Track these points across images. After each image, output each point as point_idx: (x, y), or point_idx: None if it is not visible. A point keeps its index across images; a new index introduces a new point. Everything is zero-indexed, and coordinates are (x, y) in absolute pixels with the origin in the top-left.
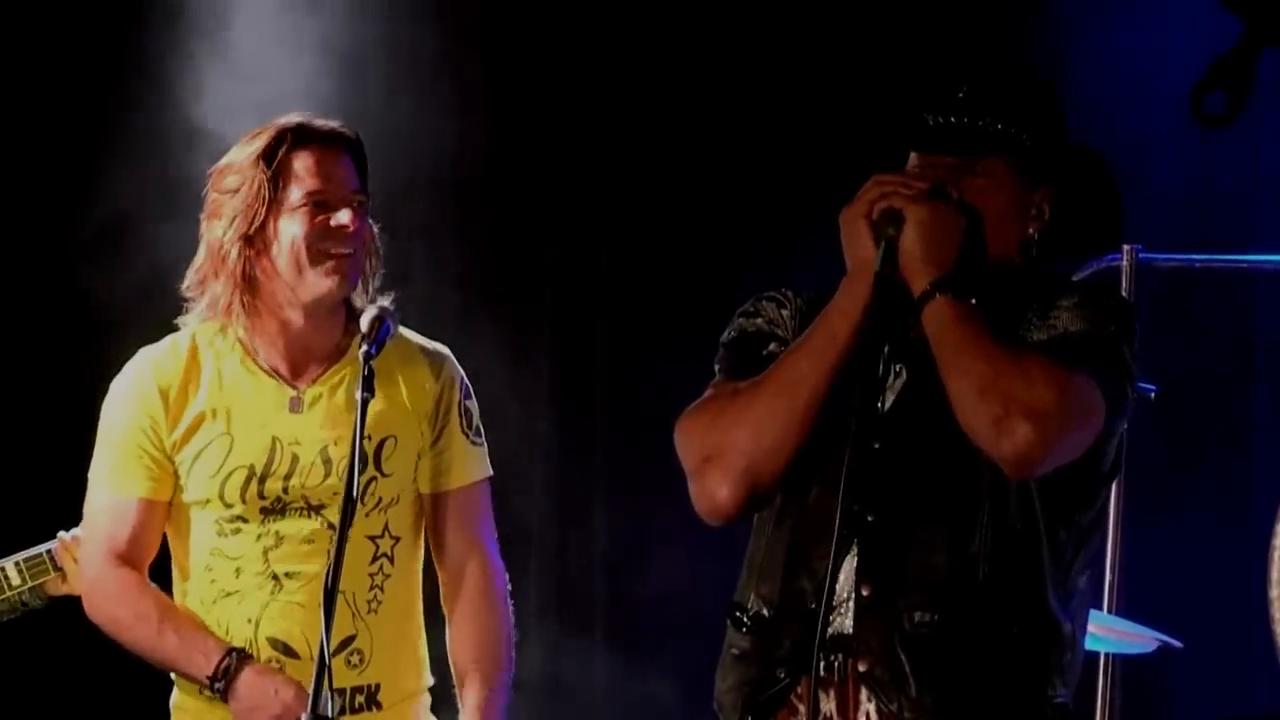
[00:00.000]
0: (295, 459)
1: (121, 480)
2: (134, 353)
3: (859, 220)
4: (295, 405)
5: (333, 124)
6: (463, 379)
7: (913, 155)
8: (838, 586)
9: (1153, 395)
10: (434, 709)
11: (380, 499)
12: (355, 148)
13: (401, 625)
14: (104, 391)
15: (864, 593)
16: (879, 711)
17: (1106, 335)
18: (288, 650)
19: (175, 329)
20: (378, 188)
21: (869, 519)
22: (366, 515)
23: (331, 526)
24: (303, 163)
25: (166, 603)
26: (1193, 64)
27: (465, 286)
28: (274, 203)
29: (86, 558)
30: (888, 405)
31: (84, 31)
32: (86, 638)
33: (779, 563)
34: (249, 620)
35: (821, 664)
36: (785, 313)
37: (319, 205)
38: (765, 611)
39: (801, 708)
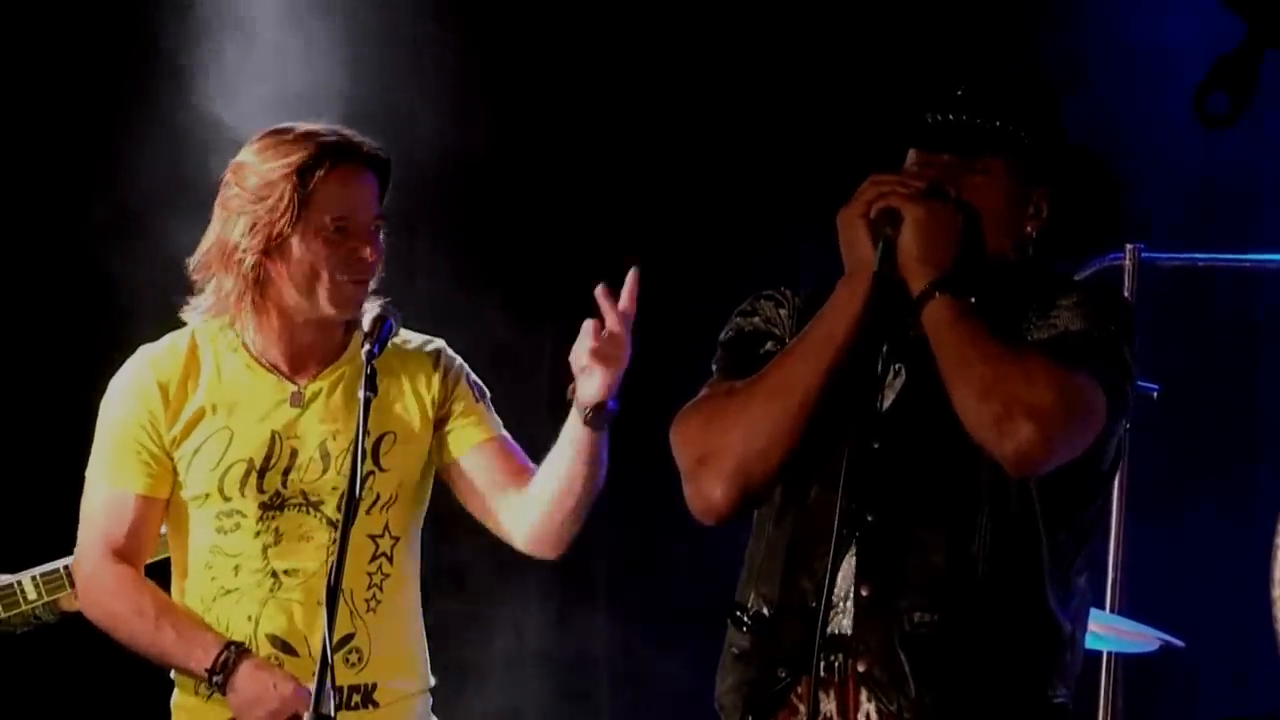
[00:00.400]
0: (294, 454)
1: (119, 476)
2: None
3: (857, 220)
4: (296, 400)
5: (368, 144)
6: (462, 363)
7: (911, 153)
8: (837, 586)
9: (1155, 394)
10: (435, 709)
11: (379, 495)
12: (383, 168)
13: (400, 625)
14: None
15: (863, 593)
16: (879, 712)
17: (1107, 334)
18: (286, 648)
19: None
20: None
21: (868, 518)
22: (366, 512)
23: (330, 523)
24: (334, 185)
25: (163, 598)
26: (1198, 63)
27: (463, 288)
28: (298, 219)
29: (83, 553)
30: (887, 405)
31: (99, 20)
32: (88, 638)
33: (779, 563)
34: (248, 618)
35: (821, 664)
36: (783, 312)
37: (342, 231)
38: (765, 611)
39: (802, 708)
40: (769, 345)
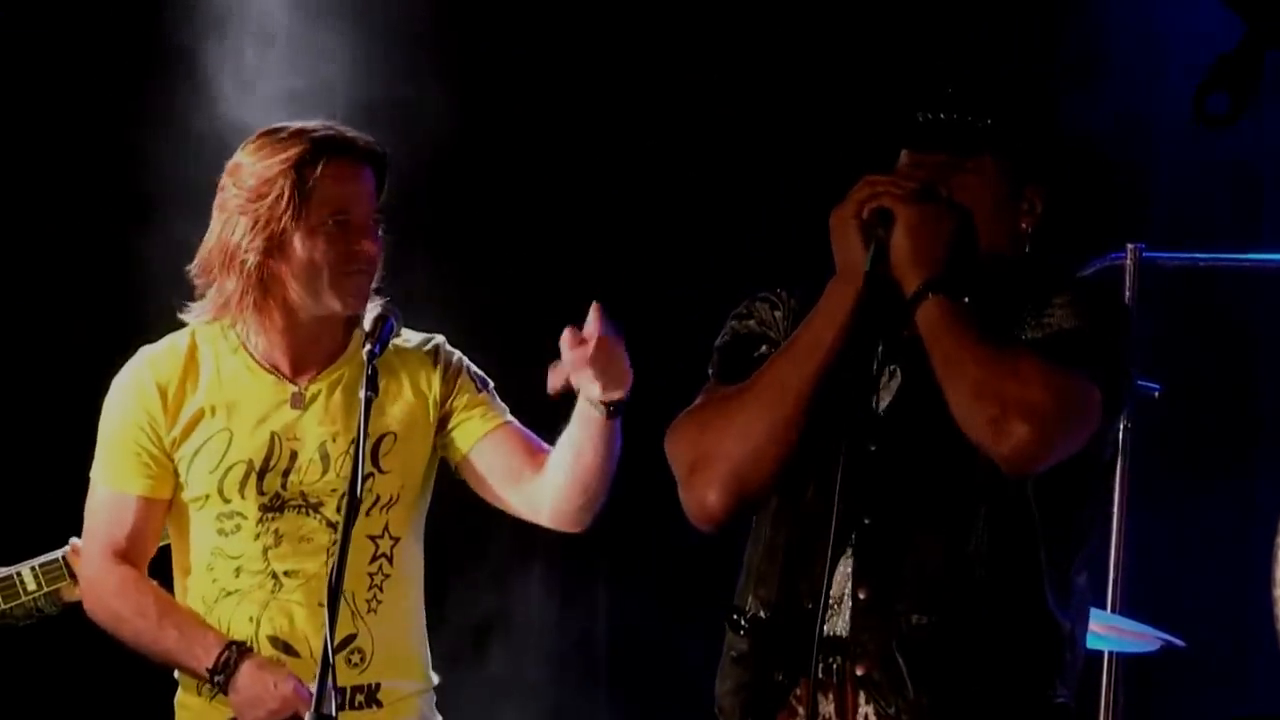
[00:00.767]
0: (294, 455)
1: (120, 478)
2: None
3: (849, 222)
4: (297, 401)
5: (363, 138)
6: (460, 356)
7: (903, 153)
8: (835, 588)
9: (1156, 394)
10: (437, 708)
11: (378, 497)
12: (380, 162)
13: (401, 625)
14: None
15: (861, 595)
16: (878, 714)
17: (1101, 332)
18: (288, 649)
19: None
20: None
21: (865, 521)
22: (366, 514)
23: (330, 525)
24: (331, 180)
25: (165, 598)
26: (1198, 63)
27: (463, 286)
28: (298, 215)
29: (86, 555)
30: (882, 406)
31: (112, 17)
32: (90, 638)
33: (776, 566)
34: (250, 619)
35: (820, 667)
36: (778, 314)
37: (341, 226)
38: (763, 614)
39: (801, 710)
40: (764, 348)
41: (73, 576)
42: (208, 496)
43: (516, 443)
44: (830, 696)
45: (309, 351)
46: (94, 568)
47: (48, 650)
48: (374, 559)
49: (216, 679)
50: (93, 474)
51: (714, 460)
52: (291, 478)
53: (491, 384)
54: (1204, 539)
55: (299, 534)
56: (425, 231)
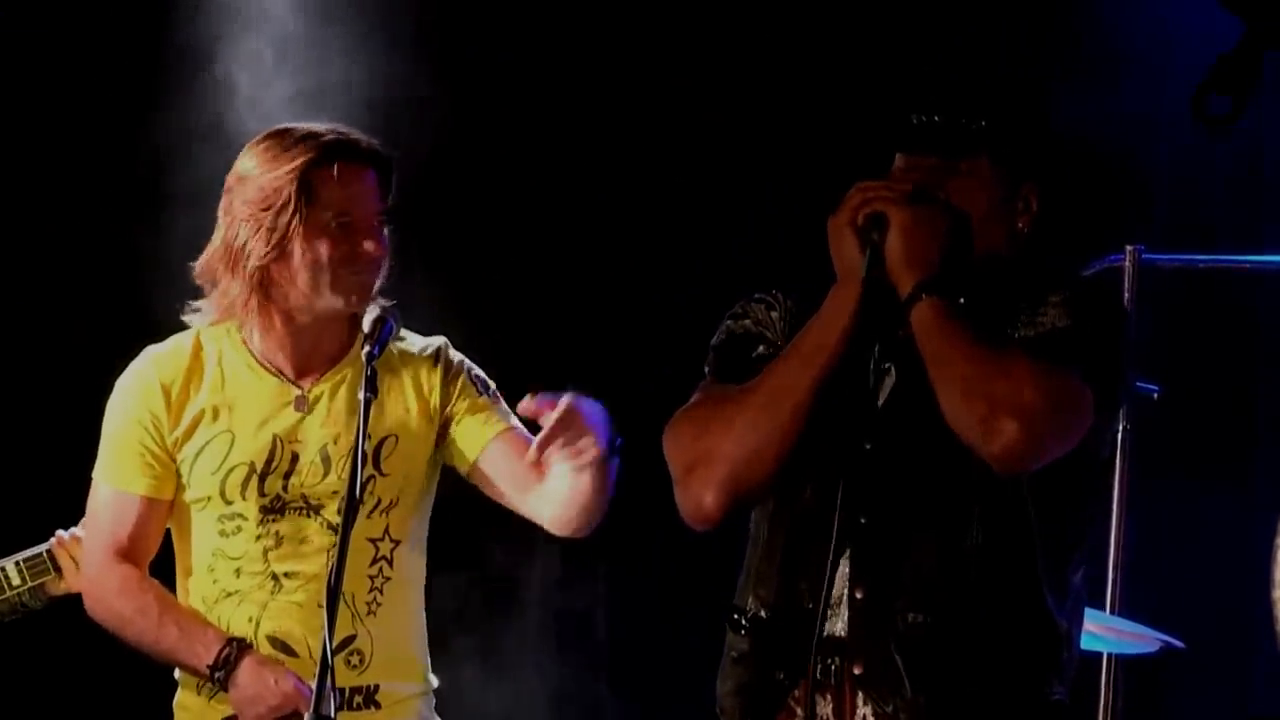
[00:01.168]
0: (295, 458)
1: (123, 477)
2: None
3: (844, 227)
4: (300, 404)
5: (367, 140)
6: (462, 359)
7: (898, 156)
8: (834, 589)
9: (1155, 396)
10: (437, 710)
11: (379, 499)
12: (384, 163)
13: (402, 628)
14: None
15: (858, 595)
16: (875, 714)
17: (1094, 331)
18: (287, 649)
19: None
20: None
21: (861, 521)
22: (367, 516)
23: (331, 527)
24: (335, 182)
25: (167, 597)
26: (1198, 62)
27: (463, 284)
28: (303, 218)
29: (88, 554)
30: (879, 406)
31: (123, 15)
32: (90, 637)
33: (775, 566)
34: (249, 619)
35: (818, 668)
36: (774, 314)
37: (345, 227)
38: (763, 614)
39: (799, 711)
40: (760, 349)
41: (57, 570)
42: (209, 498)
43: (521, 449)
44: (829, 698)
45: (312, 354)
46: (96, 567)
47: (47, 650)
48: (374, 561)
49: (217, 676)
50: (95, 473)
51: (712, 461)
52: (293, 480)
53: (494, 386)
54: (1204, 540)
55: (299, 536)
56: (421, 235)
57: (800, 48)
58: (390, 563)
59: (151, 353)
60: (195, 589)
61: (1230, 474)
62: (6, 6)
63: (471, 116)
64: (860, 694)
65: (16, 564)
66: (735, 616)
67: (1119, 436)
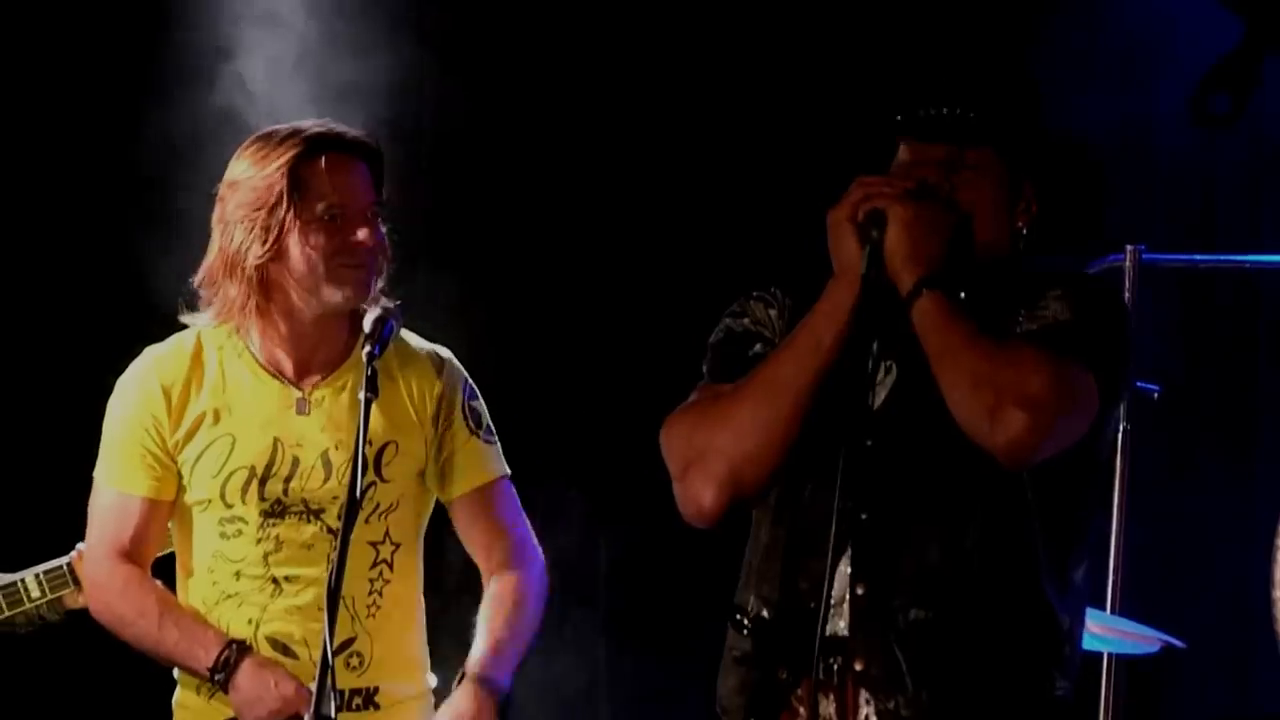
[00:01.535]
0: (296, 461)
1: (124, 479)
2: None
3: (844, 223)
4: (302, 407)
5: (353, 132)
6: (466, 380)
7: (903, 146)
8: (835, 588)
9: (1156, 395)
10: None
11: (379, 505)
12: (374, 155)
13: (401, 630)
14: None
15: (859, 592)
16: (878, 712)
17: (1096, 322)
18: (286, 651)
19: None
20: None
21: (862, 517)
22: (366, 521)
23: (331, 531)
24: (324, 175)
25: (168, 598)
26: (1198, 62)
27: (462, 284)
28: (294, 214)
29: (90, 555)
30: (879, 402)
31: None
32: (90, 638)
33: (776, 564)
34: (249, 622)
35: (820, 667)
36: (773, 312)
37: (337, 219)
38: (765, 613)
39: (802, 710)
40: (758, 347)
41: (77, 584)
42: (210, 500)
43: (489, 514)
44: (831, 697)
45: (313, 356)
46: (98, 568)
47: (48, 650)
48: (374, 564)
49: (217, 677)
50: (96, 474)
51: (710, 458)
52: (293, 484)
53: (487, 419)
54: (1204, 539)
55: (300, 540)
56: (422, 235)
57: (802, 45)
58: (390, 565)
59: (152, 354)
60: (195, 590)
61: (1230, 474)
62: (15, 5)
63: (471, 115)
64: (863, 691)
65: (36, 576)
66: (737, 616)
67: (1119, 437)
